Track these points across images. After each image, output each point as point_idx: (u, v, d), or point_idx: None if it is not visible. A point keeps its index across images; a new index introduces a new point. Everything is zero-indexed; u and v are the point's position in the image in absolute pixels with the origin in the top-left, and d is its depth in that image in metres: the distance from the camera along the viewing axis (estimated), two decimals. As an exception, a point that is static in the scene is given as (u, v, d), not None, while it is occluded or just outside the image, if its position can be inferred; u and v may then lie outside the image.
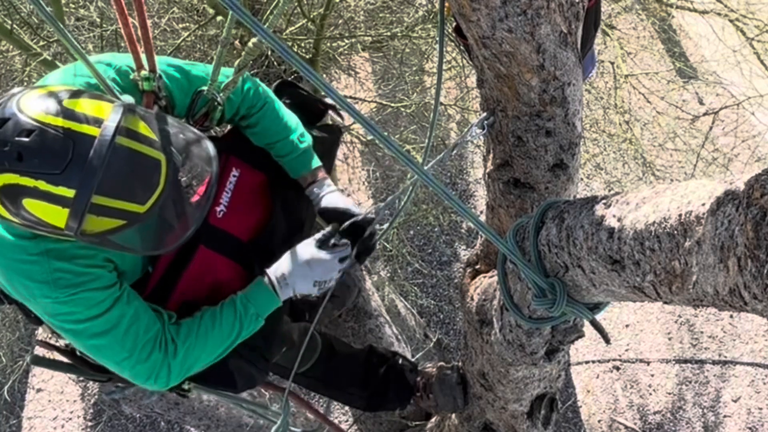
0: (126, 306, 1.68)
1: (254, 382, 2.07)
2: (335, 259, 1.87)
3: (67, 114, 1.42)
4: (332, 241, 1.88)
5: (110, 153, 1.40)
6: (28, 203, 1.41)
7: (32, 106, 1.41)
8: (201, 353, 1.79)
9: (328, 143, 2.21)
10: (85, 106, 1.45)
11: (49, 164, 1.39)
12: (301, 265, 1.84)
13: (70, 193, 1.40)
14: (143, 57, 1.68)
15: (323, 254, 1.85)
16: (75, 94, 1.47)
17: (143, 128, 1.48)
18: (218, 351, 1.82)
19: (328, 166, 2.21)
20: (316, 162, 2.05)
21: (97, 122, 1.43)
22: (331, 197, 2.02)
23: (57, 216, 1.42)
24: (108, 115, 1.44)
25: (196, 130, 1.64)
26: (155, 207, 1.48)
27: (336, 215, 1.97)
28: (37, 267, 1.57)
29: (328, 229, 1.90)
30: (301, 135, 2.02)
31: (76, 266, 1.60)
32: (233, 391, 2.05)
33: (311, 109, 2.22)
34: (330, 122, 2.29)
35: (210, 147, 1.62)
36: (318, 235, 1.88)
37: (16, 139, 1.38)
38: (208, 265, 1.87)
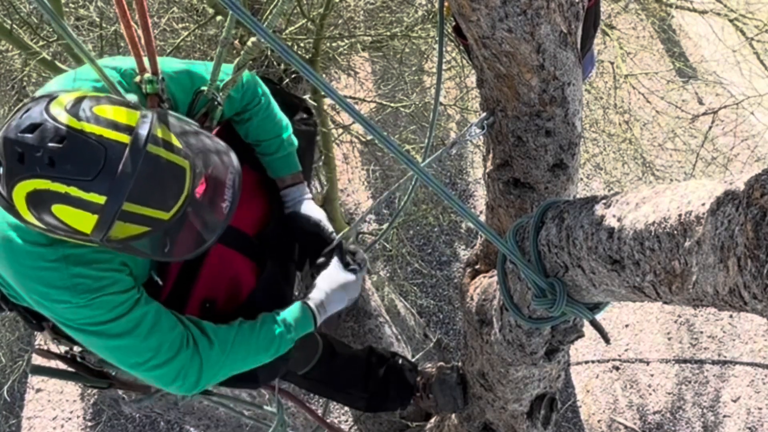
0: (147, 306, 1.68)
1: (276, 372, 2.08)
2: (361, 276, 2.02)
3: (99, 120, 1.43)
4: (349, 260, 2.04)
5: (141, 161, 1.42)
6: (57, 209, 1.41)
7: (63, 112, 1.42)
8: (235, 359, 1.79)
9: (306, 136, 2.22)
10: (116, 113, 1.46)
11: (81, 170, 1.39)
12: (338, 291, 1.97)
13: (101, 199, 1.40)
14: (146, 60, 1.68)
15: (352, 276, 2.00)
16: (105, 101, 1.48)
17: (169, 135, 1.50)
18: (250, 362, 1.83)
19: (310, 159, 2.25)
20: (298, 166, 2.09)
21: (128, 129, 1.44)
22: (308, 205, 2.08)
23: (85, 222, 1.43)
24: (137, 122, 1.46)
25: (219, 141, 1.65)
26: (179, 213, 1.50)
27: (309, 226, 2.07)
28: (56, 273, 1.57)
29: (347, 249, 2.01)
30: (289, 136, 2.05)
31: (95, 271, 1.60)
32: (254, 386, 2.06)
33: (286, 103, 2.24)
34: (305, 115, 2.30)
35: (233, 157, 1.64)
36: (337, 260, 1.99)
37: (49, 144, 1.38)
38: (224, 260, 1.89)
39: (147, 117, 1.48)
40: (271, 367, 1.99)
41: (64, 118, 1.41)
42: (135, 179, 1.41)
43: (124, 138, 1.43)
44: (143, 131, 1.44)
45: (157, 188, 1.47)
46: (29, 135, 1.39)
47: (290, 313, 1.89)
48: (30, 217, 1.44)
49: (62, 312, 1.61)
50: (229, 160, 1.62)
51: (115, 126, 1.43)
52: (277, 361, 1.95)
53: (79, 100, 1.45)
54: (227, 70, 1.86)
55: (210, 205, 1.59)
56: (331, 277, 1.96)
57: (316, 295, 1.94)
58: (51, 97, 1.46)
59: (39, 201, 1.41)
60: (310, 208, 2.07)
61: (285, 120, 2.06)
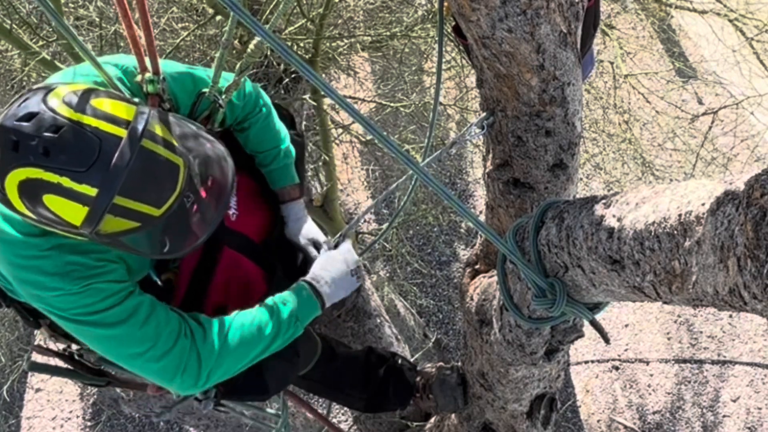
0: (141, 296, 1.66)
1: (287, 381, 2.05)
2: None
3: (96, 113, 1.43)
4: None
5: (135, 155, 1.42)
6: (49, 199, 1.41)
7: (61, 103, 1.42)
8: (234, 347, 1.73)
9: (299, 147, 2.23)
10: (113, 106, 1.46)
11: (75, 161, 1.39)
12: (340, 271, 1.95)
13: (92, 191, 1.40)
14: (147, 59, 1.68)
15: (348, 254, 1.99)
16: (103, 95, 1.49)
17: (166, 132, 1.50)
18: (252, 348, 1.77)
19: (302, 170, 2.24)
20: (296, 178, 2.09)
21: (125, 124, 1.44)
22: (295, 226, 2.09)
23: (76, 213, 1.42)
24: (134, 117, 1.46)
25: (218, 143, 1.64)
26: (170, 211, 1.49)
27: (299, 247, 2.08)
28: (50, 261, 1.57)
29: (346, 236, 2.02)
30: (287, 147, 2.05)
31: (89, 259, 1.59)
32: (264, 397, 2.03)
33: (282, 115, 2.24)
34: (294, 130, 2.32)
35: (228, 157, 1.63)
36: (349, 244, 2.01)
37: (44, 134, 1.38)
38: (235, 265, 1.89)
39: (145, 112, 1.48)
40: (281, 374, 1.98)
41: (61, 108, 1.41)
42: (127, 173, 1.41)
43: (121, 132, 1.43)
44: (140, 126, 1.44)
45: (150, 184, 1.46)
46: (26, 123, 1.39)
47: (290, 296, 1.84)
48: (21, 207, 1.44)
49: (55, 302, 1.60)
50: (226, 163, 1.62)
51: (113, 120, 1.44)
52: (284, 366, 1.93)
53: (77, 92, 1.46)
54: (228, 77, 1.86)
55: (204, 204, 1.59)
56: (339, 256, 1.95)
57: (318, 275, 1.90)
58: (49, 88, 1.46)
59: (31, 190, 1.41)
60: (295, 229, 2.08)
61: (283, 131, 2.06)
